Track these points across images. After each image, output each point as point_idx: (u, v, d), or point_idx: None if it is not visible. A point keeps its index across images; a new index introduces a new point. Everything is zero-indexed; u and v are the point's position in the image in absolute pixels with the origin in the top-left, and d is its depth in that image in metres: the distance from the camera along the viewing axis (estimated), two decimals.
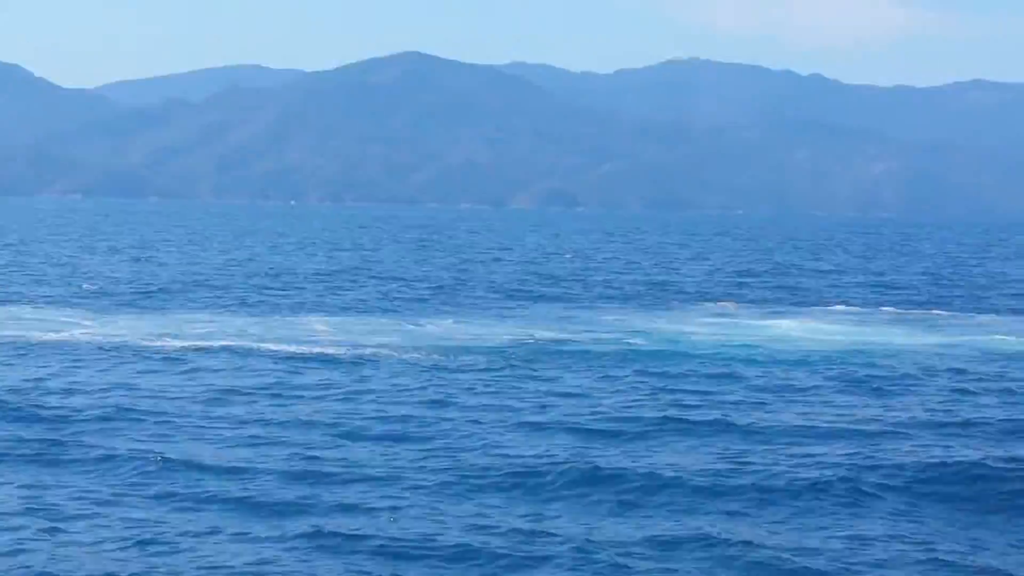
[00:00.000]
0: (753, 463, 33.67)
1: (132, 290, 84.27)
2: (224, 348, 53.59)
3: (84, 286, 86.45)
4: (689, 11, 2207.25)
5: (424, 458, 33.70)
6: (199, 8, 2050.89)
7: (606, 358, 53.12)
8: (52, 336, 56.30)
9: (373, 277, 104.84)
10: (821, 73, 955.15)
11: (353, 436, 36.43)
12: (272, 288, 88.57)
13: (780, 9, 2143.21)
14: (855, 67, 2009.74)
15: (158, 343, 54.62)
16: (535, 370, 49.53)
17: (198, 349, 53.17)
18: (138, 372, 47.44)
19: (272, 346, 54.52)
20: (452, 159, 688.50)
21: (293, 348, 53.91)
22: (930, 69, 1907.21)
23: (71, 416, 38.41)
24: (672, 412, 40.58)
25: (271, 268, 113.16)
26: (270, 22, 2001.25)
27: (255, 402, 41.65)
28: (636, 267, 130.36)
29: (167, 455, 33.05)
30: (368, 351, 53.37)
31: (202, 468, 32.13)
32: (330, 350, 53.60)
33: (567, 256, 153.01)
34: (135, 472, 31.65)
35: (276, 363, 50.19)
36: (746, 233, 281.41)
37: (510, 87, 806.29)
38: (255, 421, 38.38)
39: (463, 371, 49.09)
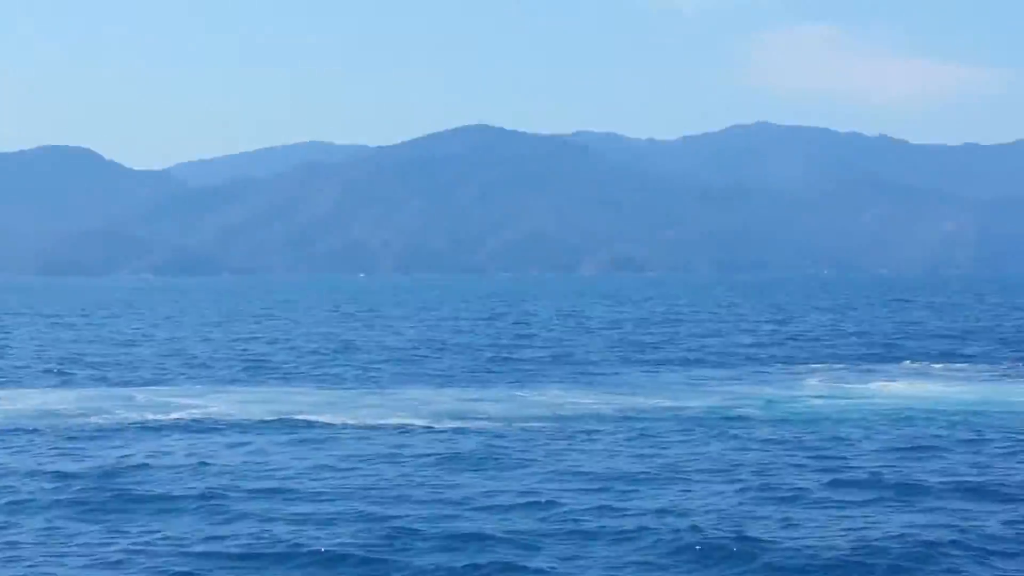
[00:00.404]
0: None
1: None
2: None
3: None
4: (754, 75, 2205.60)
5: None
6: (264, 86, 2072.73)
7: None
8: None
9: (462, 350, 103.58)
10: (888, 133, 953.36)
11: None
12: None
13: (845, 71, 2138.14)
14: (922, 126, 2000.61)
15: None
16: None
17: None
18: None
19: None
20: (519, 228, 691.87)
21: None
22: (997, 126, 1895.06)
23: None
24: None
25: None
26: (334, 98, 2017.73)
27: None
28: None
29: None
30: (530, 423, 50.39)
31: None
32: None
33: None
34: None
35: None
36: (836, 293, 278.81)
37: (575, 156, 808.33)
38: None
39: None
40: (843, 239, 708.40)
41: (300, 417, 51.41)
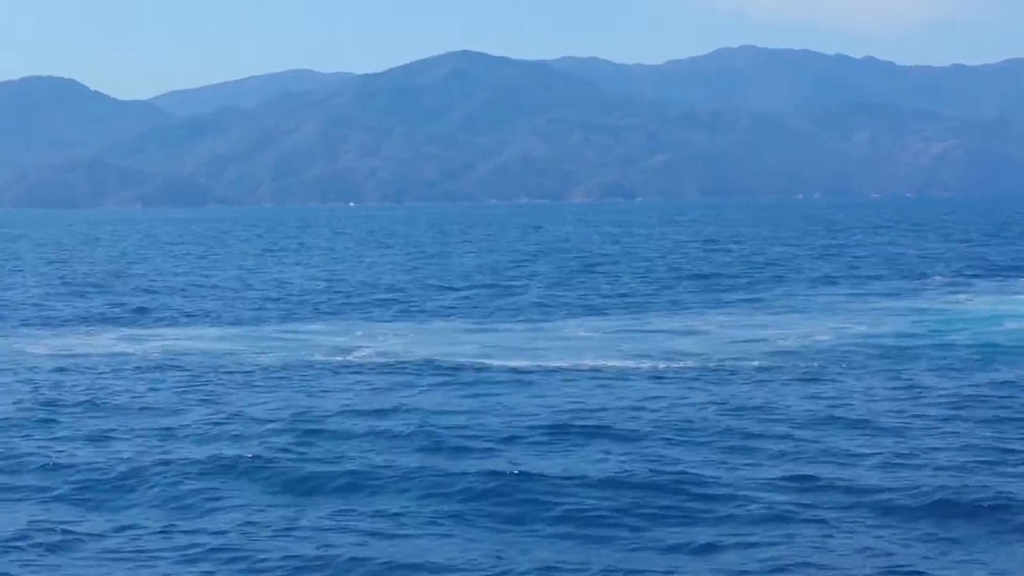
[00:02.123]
0: None
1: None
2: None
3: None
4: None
5: None
6: (246, 16, 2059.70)
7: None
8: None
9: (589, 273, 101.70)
10: (874, 55, 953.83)
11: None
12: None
13: None
14: (908, 48, 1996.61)
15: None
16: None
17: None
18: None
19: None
20: (506, 156, 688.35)
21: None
22: (984, 47, 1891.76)
23: None
24: None
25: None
26: (318, 27, 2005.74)
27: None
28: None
29: None
30: (661, 364, 46.00)
31: None
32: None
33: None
34: None
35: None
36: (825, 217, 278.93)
37: (560, 81, 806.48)
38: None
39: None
40: (831, 163, 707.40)
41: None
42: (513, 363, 46.28)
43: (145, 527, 25.49)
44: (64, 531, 25.15)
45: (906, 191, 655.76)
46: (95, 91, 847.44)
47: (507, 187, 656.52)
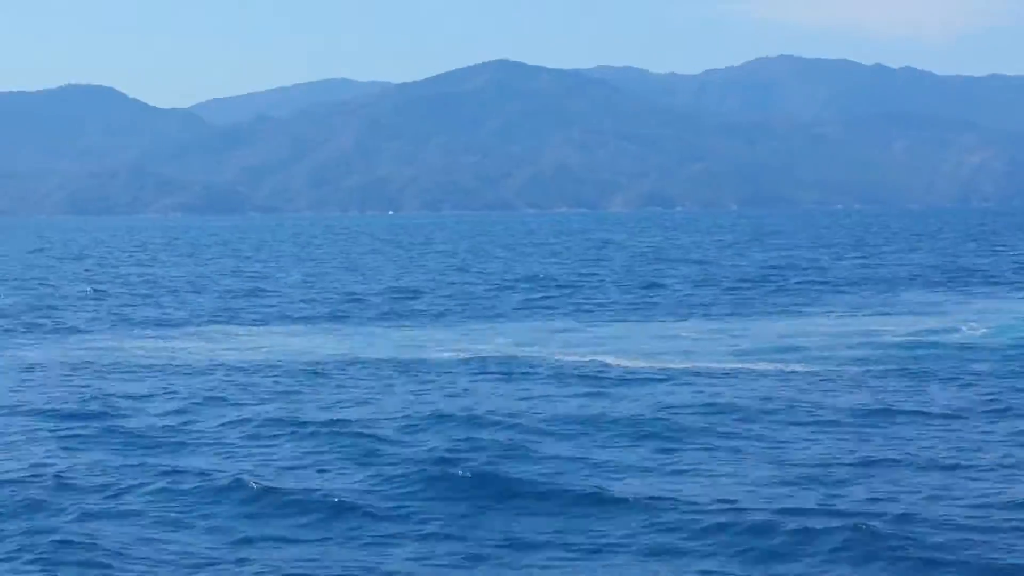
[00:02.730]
0: None
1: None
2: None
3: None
4: (775, 8, 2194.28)
5: None
6: (285, 24, 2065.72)
7: None
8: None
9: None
10: (912, 65, 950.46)
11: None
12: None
13: (869, 2, 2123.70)
14: (947, 57, 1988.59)
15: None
16: None
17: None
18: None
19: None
20: (544, 164, 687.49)
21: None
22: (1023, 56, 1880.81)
23: None
24: None
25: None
26: (355, 36, 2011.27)
27: None
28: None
29: None
30: (791, 363, 46.21)
31: None
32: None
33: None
34: None
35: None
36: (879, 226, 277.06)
37: (597, 91, 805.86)
38: None
39: None
40: (870, 173, 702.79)
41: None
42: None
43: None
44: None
45: (945, 202, 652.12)
46: (133, 99, 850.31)
47: (544, 196, 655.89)
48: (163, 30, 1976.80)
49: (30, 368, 48.15)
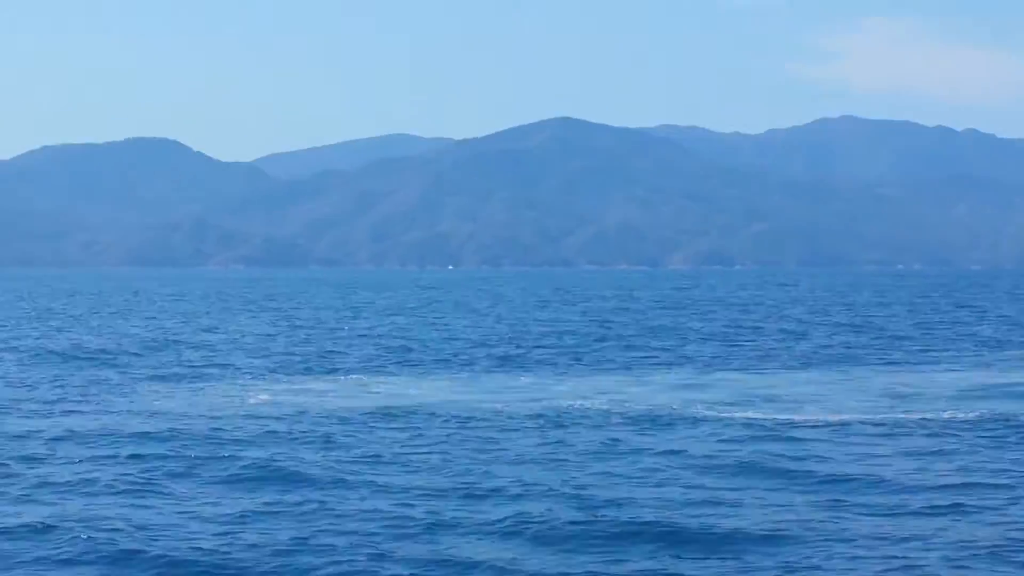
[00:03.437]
0: None
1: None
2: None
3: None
4: (838, 70, 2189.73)
5: None
6: (348, 79, 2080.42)
7: None
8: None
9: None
10: (976, 127, 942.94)
11: None
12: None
13: (933, 65, 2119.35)
14: (1011, 120, 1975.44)
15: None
16: None
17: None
18: None
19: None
20: (605, 222, 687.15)
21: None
22: None
23: None
24: None
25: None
26: (417, 91, 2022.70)
27: None
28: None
29: None
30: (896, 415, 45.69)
31: None
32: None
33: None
34: None
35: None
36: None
37: (660, 149, 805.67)
38: None
39: None
40: (932, 234, 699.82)
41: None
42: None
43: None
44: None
45: (1007, 263, 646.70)
46: (197, 152, 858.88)
47: (604, 253, 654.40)
48: (228, 85, 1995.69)
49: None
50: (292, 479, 33.40)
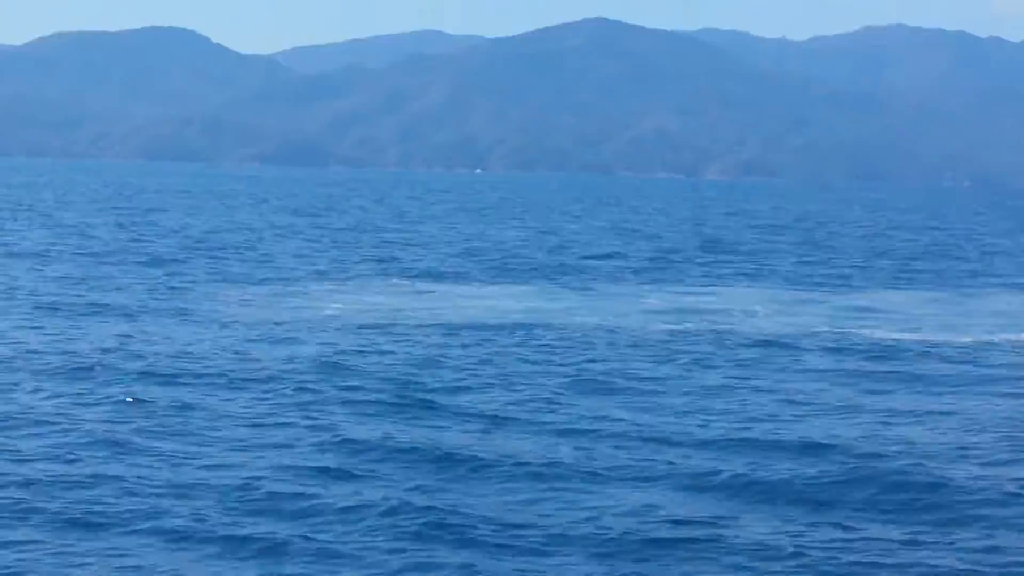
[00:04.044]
0: None
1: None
2: None
3: None
4: None
5: None
6: None
7: None
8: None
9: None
10: None
11: None
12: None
13: None
14: None
15: None
16: None
17: None
18: None
19: None
20: (642, 128, 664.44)
21: None
22: None
23: None
24: None
25: None
26: None
27: None
28: None
29: None
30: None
31: None
32: None
33: None
34: None
35: None
36: None
37: (701, 54, 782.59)
38: None
39: None
40: (981, 151, 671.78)
41: None
42: None
43: None
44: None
45: None
46: (217, 43, 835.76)
47: (642, 160, 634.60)
48: None
49: None
50: None
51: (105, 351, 40.97)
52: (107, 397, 34.05)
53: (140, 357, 39.82)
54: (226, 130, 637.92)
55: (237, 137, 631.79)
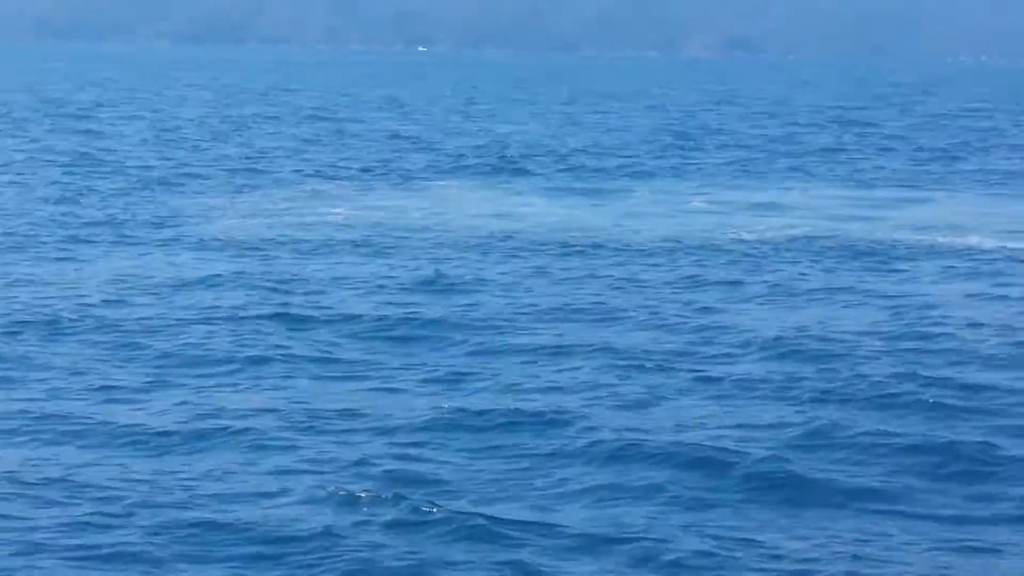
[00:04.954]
0: None
1: None
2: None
3: None
4: None
5: None
6: None
7: None
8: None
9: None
10: None
11: None
12: None
13: None
14: None
15: None
16: None
17: None
18: None
19: None
20: None
21: None
22: None
23: None
24: None
25: None
26: None
27: None
28: None
29: None
30: None
31: None
32: None
33: None
34: None
35: None
36: None
37: None
38: None
39: None
40: (993, 21, 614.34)
41: None
42: None
43: None
44: None
45: None
46: None
47: (607, 35, 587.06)
48: None
49: None
50: None
51: None
52: None
53: None
54: (125, 4, 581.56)
55: (139, 12, 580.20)
